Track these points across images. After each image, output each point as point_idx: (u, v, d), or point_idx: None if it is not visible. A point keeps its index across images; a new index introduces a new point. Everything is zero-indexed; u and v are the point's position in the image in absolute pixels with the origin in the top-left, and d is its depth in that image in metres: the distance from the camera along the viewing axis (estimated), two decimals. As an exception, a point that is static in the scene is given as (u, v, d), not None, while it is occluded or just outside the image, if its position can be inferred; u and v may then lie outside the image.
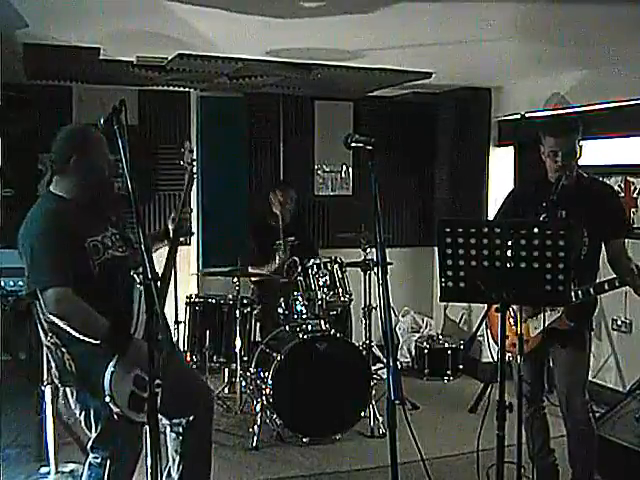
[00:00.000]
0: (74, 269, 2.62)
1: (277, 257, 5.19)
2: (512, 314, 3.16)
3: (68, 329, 2.60)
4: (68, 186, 2.78)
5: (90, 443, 2.81)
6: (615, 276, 3.09)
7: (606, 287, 3.07)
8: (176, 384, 2.77)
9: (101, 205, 2.86)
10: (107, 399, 2.59)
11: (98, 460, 2.80)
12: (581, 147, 3.20)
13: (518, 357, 2.94)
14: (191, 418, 2.97)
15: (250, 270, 5.29)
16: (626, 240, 3.27)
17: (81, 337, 2.60)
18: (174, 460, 3.04)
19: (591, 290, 3.09)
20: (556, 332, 3.18)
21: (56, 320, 2.61)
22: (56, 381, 2.81)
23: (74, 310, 2.59)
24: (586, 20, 3.57)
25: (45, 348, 2.82)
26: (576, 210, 3.14)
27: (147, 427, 2.16)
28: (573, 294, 3.07)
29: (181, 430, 2.99)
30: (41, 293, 2.60)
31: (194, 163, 3.23)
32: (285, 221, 5.41)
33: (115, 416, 2.63)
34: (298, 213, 5.73)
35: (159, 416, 2.63)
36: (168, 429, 3.04)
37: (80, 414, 2.78)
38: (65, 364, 2.71)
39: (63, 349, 2.70)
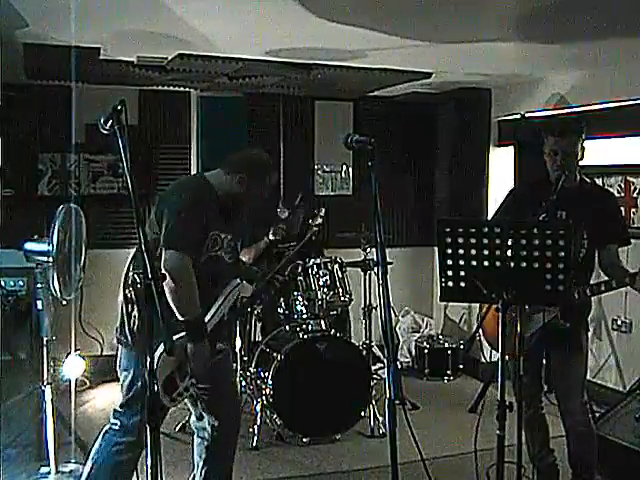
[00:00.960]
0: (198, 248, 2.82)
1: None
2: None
3: (167, 292, 2.68)
4: (224, 187, 2.95)
5: (117, 406, 2.92)
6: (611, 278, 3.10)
7: (602, 288, 3.07)
8: (216, 383, 2.96)
9: (235, 214, 3.05)
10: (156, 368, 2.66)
11: (116, 427, 2.89)
12: (584, 149, 3.19)
13: (516, 357, 2.93)
14: (216, 424, 3.03)
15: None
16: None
17: (171, 304, 2.70)
18: (198, 464, 3.11)
19: (587, 291, 3.08)
20: (552, 333, 3.18)
21: (166, 275, 2.66)
22: (116, 335, 2.93)
23: (186, 280, 2.74)
24: (586, 20, 3.57)
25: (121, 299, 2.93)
26: (576, 212, 3.13)
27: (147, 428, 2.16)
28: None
29: (206, 435, 3.06)
30: (167, 249, 2.74)
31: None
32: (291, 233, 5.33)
33: (139, 386, 2.78)
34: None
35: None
36: (195, 432, 3.12)
37: (121, 374, 2.92)
38: (130, 321, 2.84)
39: (135, 306, 2.82)
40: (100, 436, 2.96)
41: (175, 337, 2.67)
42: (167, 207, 2.83)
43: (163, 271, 2.71)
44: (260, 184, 3.00)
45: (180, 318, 2.73)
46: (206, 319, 2.85)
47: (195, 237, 2.80)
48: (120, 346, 2.94)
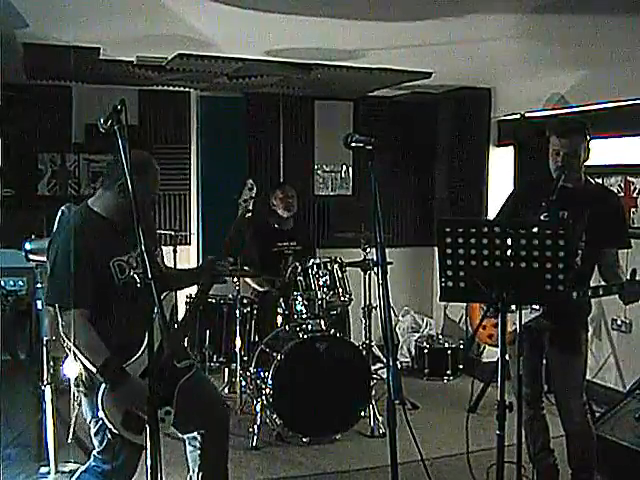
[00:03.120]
0: (94, 288, 2.68)
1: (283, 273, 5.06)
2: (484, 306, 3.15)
3: (74, 349, 2.66)
4: (109, 206, 2.79)
5: (94, 452, 2.84)
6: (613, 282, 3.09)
7: (600, 292, 3.07)
8: (187, 400, 2.83)
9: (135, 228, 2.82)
10: (100, 414, 2.63)
11: (99, 470, 2.83)
12: (589, 150, 3.17)
13: (515, 356, 2.93)
14: (204, 432, 3.00)
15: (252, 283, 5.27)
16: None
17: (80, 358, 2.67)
18: (193, 470, 3.09)
19: (588, 292, 3.07)
20: (550, 335, 3.16)
21: (64, 339, 2.69)
22: (73, 387, 2.85)
23: (81, 336, 2.65)
24: (586, 20, 3.57)
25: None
26: (578, 213, 3.12)
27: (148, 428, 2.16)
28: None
29: (197, 444, 3.03)
30: (60, 310, 2.68)
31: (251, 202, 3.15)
32: (288, 224, 5.41)
33: (109, 434, 2.69)
34: (299, 214, 5.71)
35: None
36: (186, 441, 3.09)
37: (91, 423, 2.82)
38: (79, 369, 2.77)
39: (75, 356, 2.75)
40: (80, 472, 2.88)
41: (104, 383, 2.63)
42: (49, 257, 2.73)
43: (62, 336, 2.68)
44: (142, 183, 2.65)
45: (92, 369, 2.64)
46: (142, 347, 2.70)
47: (81, 286, 2.62)
48: (81, 396, 2.84)
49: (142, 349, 2.69)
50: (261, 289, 5.21)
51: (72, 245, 2.67)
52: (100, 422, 2.74)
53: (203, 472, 3.06)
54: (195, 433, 3.02)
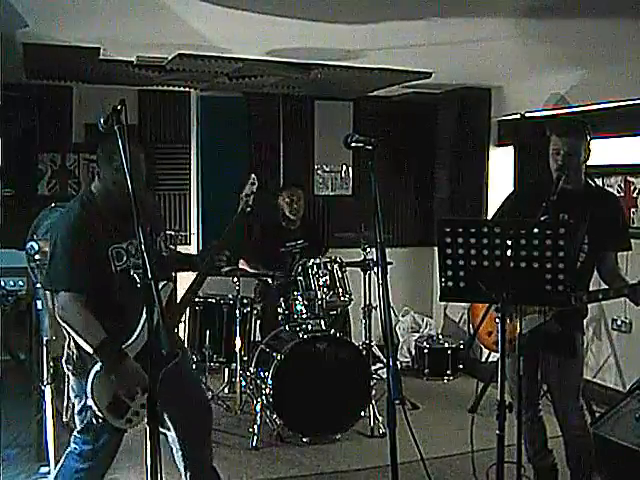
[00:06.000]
0: (92, 274, 2.71)
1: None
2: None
3: (69, 330, 2.71)
4: (101, 191, 2.84)
5: (75, 432, 2.87)
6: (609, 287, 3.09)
7: (600, 296, 3.07)
8: (165, 389, 2.79)
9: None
10: (89, 400, 2.66)
11: (76, 452, 2.85)
12: (589, 150, 3.16)
13: (514, 357, 2.93)
14: (179, 433, 2.98)
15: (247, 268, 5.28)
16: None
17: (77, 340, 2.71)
18: (182, 474, 3.11)
19: (584, 297, 3.06)
20: (547, 336, 3.16)
21: (60, 321, 2.72)
22: (63, 365, 2.89)
23: (76, 317, 2.69)
24: (586, 21, 3.57)
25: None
26: (578, 215, 3.10)
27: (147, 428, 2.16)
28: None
29: (178, 447, 3.02)
30: (55, 292, 2.75)
31: (252, 197, 3.14)
32: (296, 223, 5.43)
33: (93, 418, 2.71)
34: (307, 213, 5.72)
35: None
36: (171, 442, 3.07)
37: (74, 400, 2.87)
38: (70, 349, 2.82)
39: (68, 337, 2.80)
40: (62, 459, 2.92)
41: (96, 367, 2.68)
42: (50, 242, 2.78)
43: (58, 318, 2.72)
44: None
45: (89, 350, 2.67)
46: (135, 334, 2.74)
47: (77, 270, 2.67)
48: (69, 374, 2.89)
49: (135, 336, 2.73)
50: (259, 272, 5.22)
51: (72, 231, 2.71)
52: (84, 401, 2.77)
53: (190, 472, 3.06)
54: (174, 434, 2.98)
